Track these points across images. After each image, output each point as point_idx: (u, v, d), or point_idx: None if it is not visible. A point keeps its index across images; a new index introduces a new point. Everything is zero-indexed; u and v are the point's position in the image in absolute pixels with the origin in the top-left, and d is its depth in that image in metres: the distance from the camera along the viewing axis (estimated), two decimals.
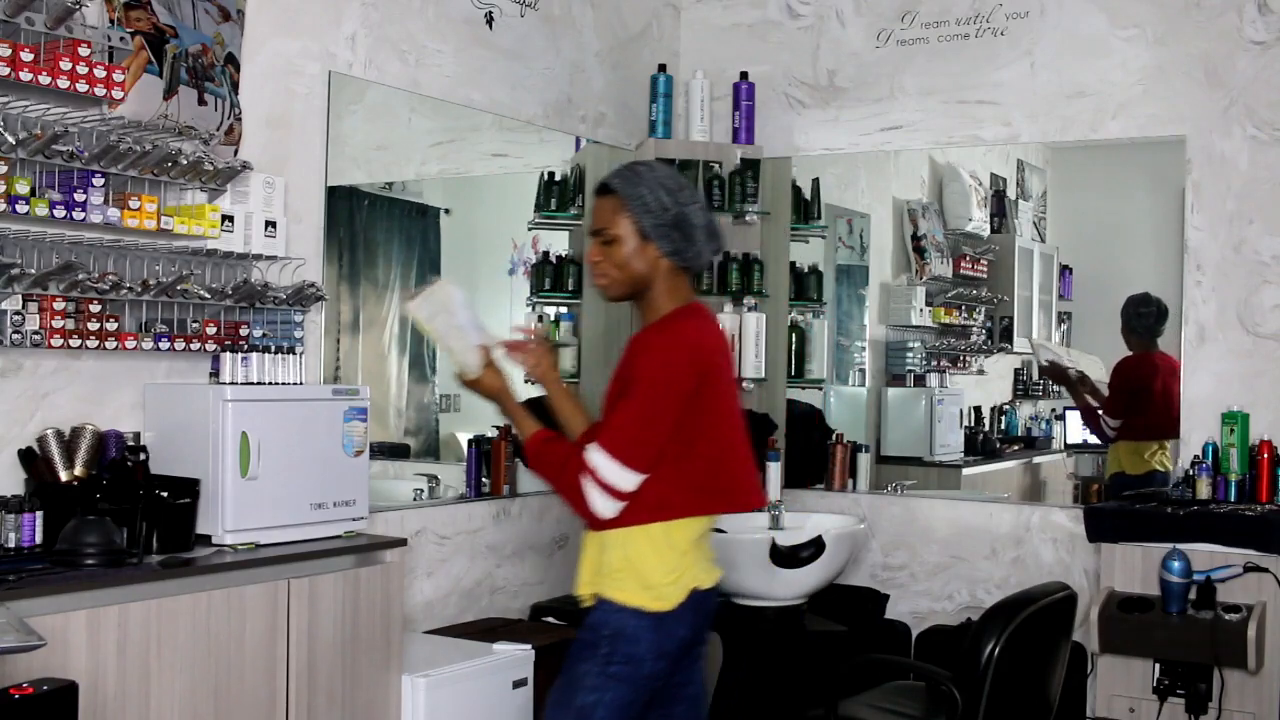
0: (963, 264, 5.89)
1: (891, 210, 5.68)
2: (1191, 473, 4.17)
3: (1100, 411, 5.09)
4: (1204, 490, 4.12)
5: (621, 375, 2.64)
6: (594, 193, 2.75)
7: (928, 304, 5.70)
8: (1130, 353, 4.96)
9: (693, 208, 2.68)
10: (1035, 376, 5.79)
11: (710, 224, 2.72)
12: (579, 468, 2.57)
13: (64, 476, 2.99)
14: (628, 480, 2.56)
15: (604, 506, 2.57)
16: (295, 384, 3.32)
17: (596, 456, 2.55)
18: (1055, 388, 5.63)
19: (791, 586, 4.07)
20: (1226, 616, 3.76)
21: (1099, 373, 5.19)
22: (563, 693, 2.66)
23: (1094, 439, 5.17)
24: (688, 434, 2.60)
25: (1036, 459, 5.74)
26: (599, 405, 2.75)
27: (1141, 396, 4.95)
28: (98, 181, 3.00)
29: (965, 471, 5.54)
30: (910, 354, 5.70)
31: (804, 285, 5.11)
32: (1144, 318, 4.92)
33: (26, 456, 2.98)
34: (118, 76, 2.99)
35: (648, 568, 2.61)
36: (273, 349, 3.30)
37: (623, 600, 2.62)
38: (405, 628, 3.52)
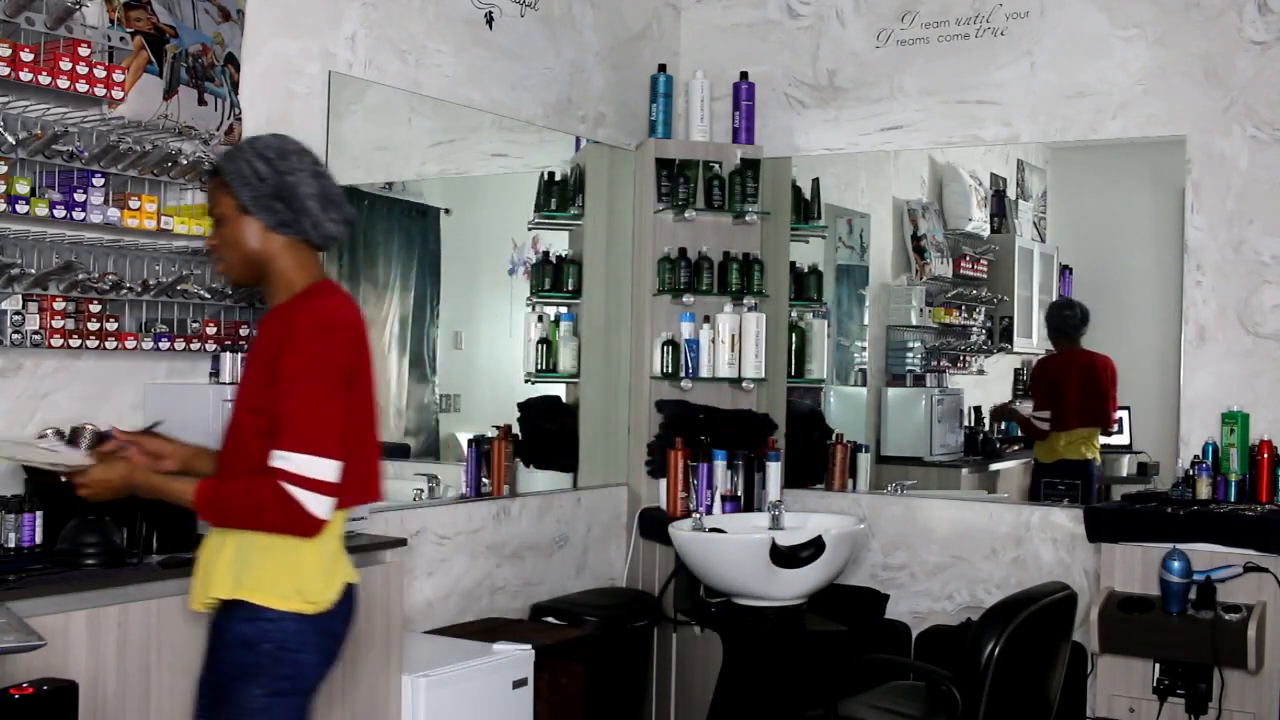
0: (963, 264, 5.90)
1: (891, 210, 5.68)
2: (1191, 473, 4.17)
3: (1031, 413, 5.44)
4: (1204, 490, 4.12)
5: (263, 360, 2.41)
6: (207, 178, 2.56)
7: (928, 304, 5.70)
8: (1055, 352, 5.37)
9: (298, 175, 2.44)
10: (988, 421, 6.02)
11: (326, 191, 2.49)
12: (274, 478, 2.32)
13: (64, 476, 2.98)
14: (329, 469, 2.34)
15: (319, 506, 2.34)
16: None
17: (288, 459, 2.32)
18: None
19: (791, 586, 4.07)
20: (1226, 616, 3.76)
21: None
22: None
23: None
24: (346, 419, 2.41)
25: None
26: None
27: (1058, 391, 5.29)
28: (98, 181, 3.00)
29: (965, 471, 5.54)
30: (910, 354, 5.70)
31: (804, 285, 5.11)
32: (1067, 320, 5.30)
33: None
34: (118, 76, 2.99)
35: (306, 569, 2.41)
36: None
37: (280, 606, 2.39)
38: (405, 628, 3.52)
